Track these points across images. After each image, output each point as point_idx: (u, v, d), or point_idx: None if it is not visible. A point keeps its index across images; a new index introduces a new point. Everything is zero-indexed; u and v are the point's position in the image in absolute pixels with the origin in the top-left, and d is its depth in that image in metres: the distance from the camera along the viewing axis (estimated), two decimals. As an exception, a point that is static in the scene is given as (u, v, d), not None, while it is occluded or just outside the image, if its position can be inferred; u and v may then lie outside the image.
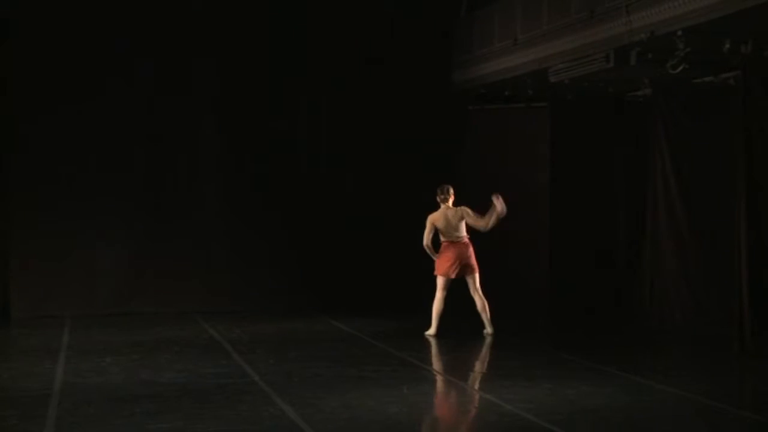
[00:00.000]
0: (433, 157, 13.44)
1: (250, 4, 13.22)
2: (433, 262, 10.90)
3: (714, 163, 11.01)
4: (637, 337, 11.18)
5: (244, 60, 13.18)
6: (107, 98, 12.68)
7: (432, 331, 10.86)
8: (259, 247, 13.20)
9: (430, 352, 10.10)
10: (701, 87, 11.25)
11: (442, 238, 10.83)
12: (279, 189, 13.31)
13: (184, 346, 10.27)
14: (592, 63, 10.26)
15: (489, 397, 7.95)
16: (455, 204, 10.87)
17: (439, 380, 8.65)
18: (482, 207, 10.74)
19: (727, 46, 9.32)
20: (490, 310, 10.85)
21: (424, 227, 10.81)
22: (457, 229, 10.76)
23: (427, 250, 10.84)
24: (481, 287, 10.81)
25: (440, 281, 10.84)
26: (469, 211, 10.76)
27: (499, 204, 10.52)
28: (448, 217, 10.77)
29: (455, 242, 10.76)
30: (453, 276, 10.77)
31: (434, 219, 10.80)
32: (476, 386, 8.76)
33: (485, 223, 10.68)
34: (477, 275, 10.79)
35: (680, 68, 9.58)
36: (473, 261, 10.79)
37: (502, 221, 10.64)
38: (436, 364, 9.45)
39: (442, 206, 10.83)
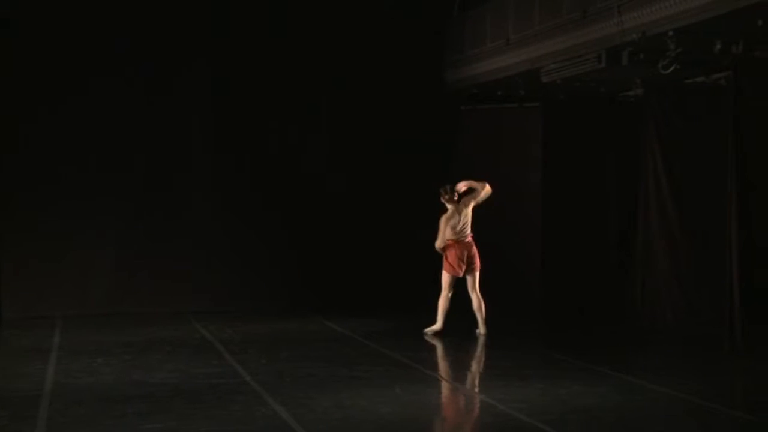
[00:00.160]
0: (425, 157, 13.44)
1: (250, 4, 13.23)
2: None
3: (705, 163, 11.03)
4: (629, 337, 11.19)
5: (243, 60, 13.17)
6: (107, 98, 12.69)
7: (437, 326, 10.86)
8: (251, 248, 13.19)
9: (423, 352, 10.10)
10: (693, 87, 11.28)
11: (448, 237, 10.86)
12: (272, 190, 13.31)
13: (176, 346, 10.26)
14: (584, 63, 10.27)
15: (482, 397, 7.96)
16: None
17: (432, 380, 8.65)
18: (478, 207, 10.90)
19: (718, 46, 9.34)
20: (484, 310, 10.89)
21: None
22: (466, 227, 10.83)
23: (441, 252, 10.88)
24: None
25: (447, 279, 10.86)
26: (469, 197, 10.84)
27: (464, 185, 10.81)
28: (460, 214, 10.81)
29: (461, 241, 10.80)
30: (461, 274, 10.81)
31: (448, 219, 10.82)
32: (469, 386, 8.76)
33: (481, 185, 10.81)
34: (477, 274, 10.84)
35: (672, 68, 9.61)
36: (477, 259, 10.85)
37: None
38: (429, 364, 9.45)
39: (450, 206, 10.85)
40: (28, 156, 12.48)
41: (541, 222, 13.17)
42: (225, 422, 6.95)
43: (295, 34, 13.34)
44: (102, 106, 12.70)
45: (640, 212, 11.90)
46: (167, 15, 12.88)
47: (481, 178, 11.06)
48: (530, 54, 11.35)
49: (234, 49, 13.13)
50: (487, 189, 10.89)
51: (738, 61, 9.63)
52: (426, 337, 10.78)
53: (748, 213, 9.72)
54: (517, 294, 13.01)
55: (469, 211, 10.87)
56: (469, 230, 10.87)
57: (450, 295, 10.85)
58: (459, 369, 9.74)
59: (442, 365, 9.80)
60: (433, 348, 10.39)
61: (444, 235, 10.81)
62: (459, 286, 10.90)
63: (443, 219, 10.84)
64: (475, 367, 9.81)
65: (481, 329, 10.87)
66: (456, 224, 10.81)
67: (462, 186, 10.88)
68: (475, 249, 10.87)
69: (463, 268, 10.80)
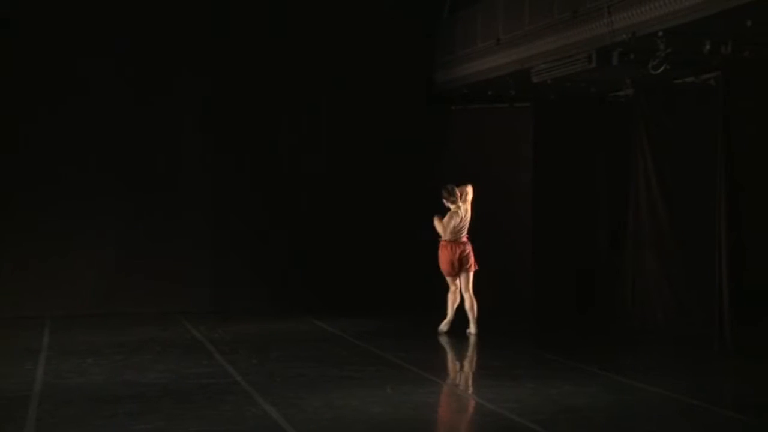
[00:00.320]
0: (415, 158, 13.45)
1: (250, 4, 13.21)
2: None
3: (695, 164, 11.05)
4: (619, 337, 11.21)
5: (243, 60, 13.16)
6: (107, 98, 12.67)
7: (449, 318, 10.96)
8: (242, 248, 13.17)
9: (414, 352, 10.09)
10: (682, 87, 11.30)
11: (445, 238, 10.88)
12: (261, 190, 13.29)
13: (166, 346, 10.24)
14: (575, 63, 10.28)
15: (473, 396, 7.96)
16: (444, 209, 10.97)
17: (423, 380, 8.64)
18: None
19: (708, 47, 9.36)
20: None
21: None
22: (463, 227, 10.90)
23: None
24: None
25: (447, 278, 10.99)
26: (466, 202, 10.88)
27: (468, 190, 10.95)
28: (460, 217, 10.84)
29: (455, 241, 10.85)
30: (454, 275, 10.91)
31: (450, 218, 10.89)
32: (460, 386, 8.77)
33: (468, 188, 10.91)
34: (472, 273, 10.88)
35: (661, 69, 9.62)
36: (471, 258, 10.88)
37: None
38: (420, 364, 9.45)
39: (452, 206, 10.87)
40: (28, 156, 12.47)
41: (531, 222, 13.19)
42: (215, 422, 6.93)
43: (295, 34, 13.33)
44: (102, 106, 12.69)
45: (631, 212, 11.93)
46: (167, 15, 12.89)
47: (471, 178, 11.10)
48: (520, 54, 11.36)
49: (234, 49, 13.12)
50: (469, 187, 10.98)
51: (727, 61, 9.66)
52: (440, 336, 10.86)
53: (738, 213, 9.74)
54: (508, 294, 13.02)
55: (468, 212, 10.88)
56: (465, 231, 10.91)
57: (454, 289, 10.96)
58: (450, 369, 9.75)
59: (434, 365, 9.79)
60: (424, 348, 10.39)
61: (447, 229, 10.84)
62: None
63: (446, 217, 10.88)
64: (467, 367, 9.82)
65: (472, 328, 10.89)
66: (456, 224, 10.84)
67: (468, 190, 10.93)
68: (469, 249, 10.91)
69: (456, 268, 10.84)
